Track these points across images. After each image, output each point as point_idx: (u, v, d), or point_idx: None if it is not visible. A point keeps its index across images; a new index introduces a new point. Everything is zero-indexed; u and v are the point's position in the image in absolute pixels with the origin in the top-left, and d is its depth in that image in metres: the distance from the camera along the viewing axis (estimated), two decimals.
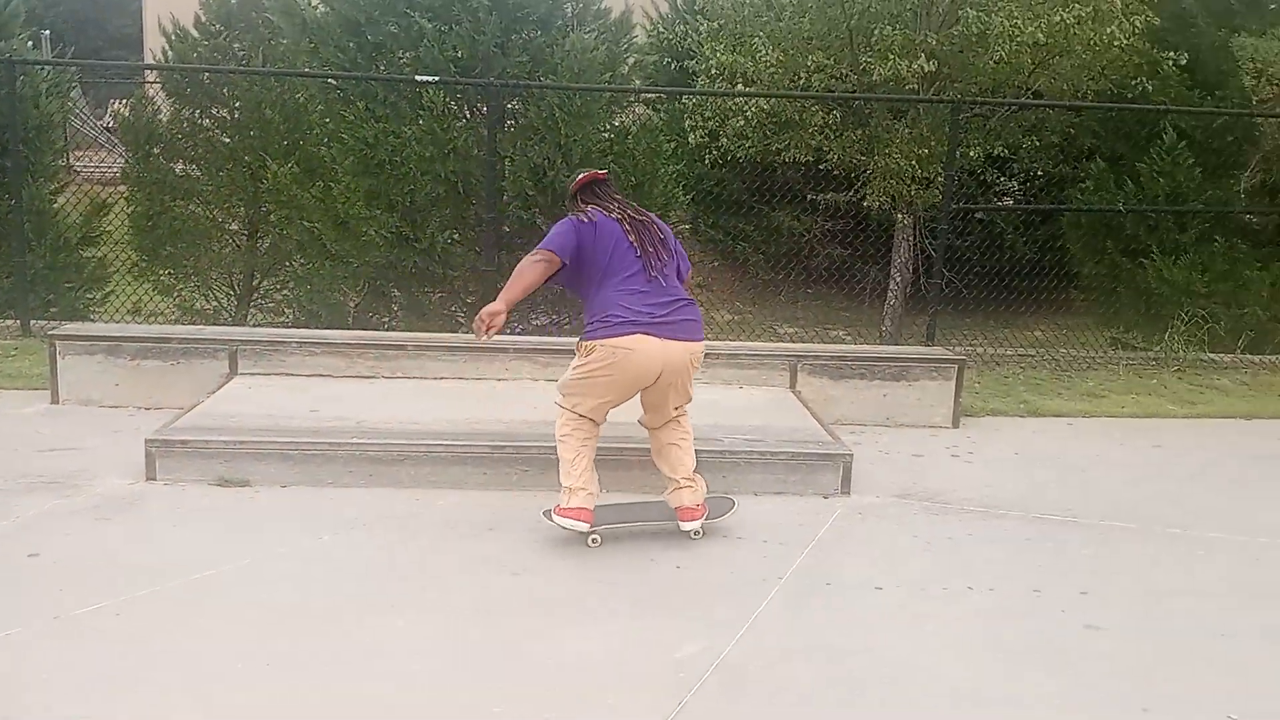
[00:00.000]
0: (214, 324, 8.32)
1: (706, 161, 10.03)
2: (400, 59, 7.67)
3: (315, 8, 8.35)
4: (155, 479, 4.65)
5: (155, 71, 9.42)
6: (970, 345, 8.10)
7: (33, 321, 7.32)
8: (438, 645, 3.30)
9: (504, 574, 3.84)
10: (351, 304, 7.59)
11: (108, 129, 16.06)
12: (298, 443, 4.68)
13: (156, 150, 8.83)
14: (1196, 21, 8.66)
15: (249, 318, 8.93)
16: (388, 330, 7.47)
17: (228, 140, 8.91)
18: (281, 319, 8.69)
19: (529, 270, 4.02)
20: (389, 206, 7.45)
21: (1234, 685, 3.25)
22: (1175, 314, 8.06)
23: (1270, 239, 8.51)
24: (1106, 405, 6.58)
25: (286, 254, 8.48)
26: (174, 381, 5.72)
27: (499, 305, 3.98)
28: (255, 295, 9.10)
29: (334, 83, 7.97)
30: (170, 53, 10.05)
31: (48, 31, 20.72)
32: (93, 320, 8.07)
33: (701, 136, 9.71)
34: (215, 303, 8.99)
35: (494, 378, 5.80)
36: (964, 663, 3.34)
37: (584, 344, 4.07)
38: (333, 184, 7.54)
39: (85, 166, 14.14)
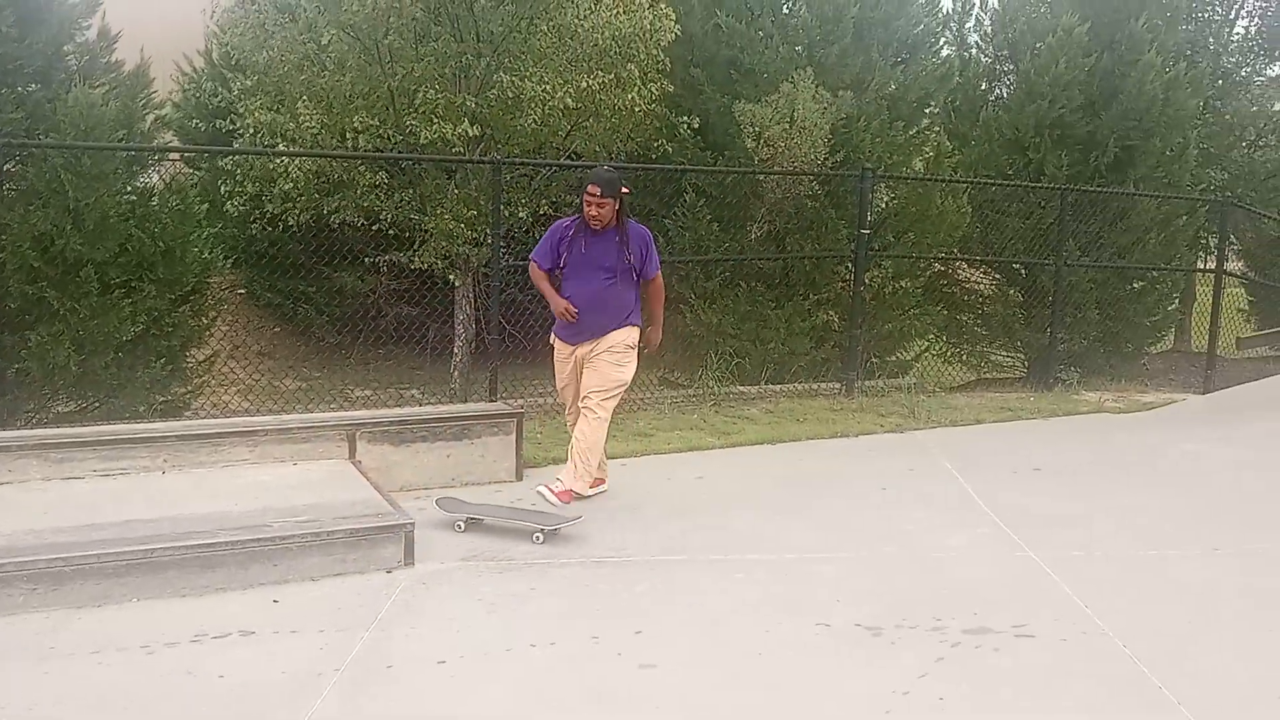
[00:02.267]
0: None
1: (252, 226, 9.51)
2: None
3: None
4: None
5: None
6: (534, 396, 8.33)
7: None
8: None
9: None
10: None
11: None
12: None
13: None
14: (704, 89, 9.66)
15: None
16: None
17: None
18: None
19: None
20: None
21: (769, 701, 3.54)
22: (708, 353, 8.87)
23: (781, 281, 9.65)
24: (655, 443, 7.04)
25: None
26: None
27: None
28: None
29: None
30: None
31: None
32: None
33: (241, 204, 9.20)
34: None
35: None
36: None
37: (635, 328, 5.57)
38: None
39: None
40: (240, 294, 11.22)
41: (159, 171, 7.77)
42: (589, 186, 5.37)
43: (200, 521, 4.54)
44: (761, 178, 9.08)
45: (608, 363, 5.47)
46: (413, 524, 4.77)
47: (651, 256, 5.51)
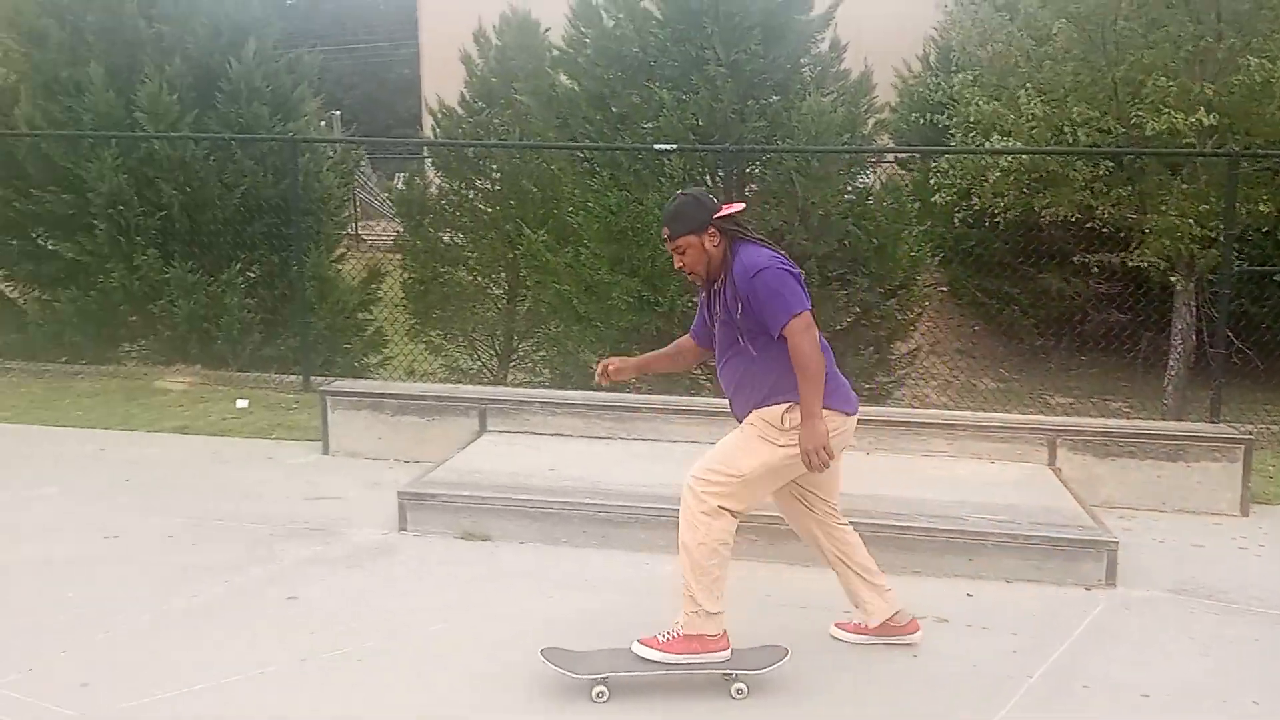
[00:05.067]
0: (478, 383, 8.77)
1: (956, 221, 9.66)
2: (643, 129, 7.88)
3: (562, 86, 8.75)
4: (406, 530, 4.89)
5: (427, 146, 10.19)
6: (1265, 422, 7.23)
7: (312, 378, 7.94)
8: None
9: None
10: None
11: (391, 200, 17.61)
12: (535, 501, 4.79)
13: (427, 220, 9.51)
14: None
15: (508, 377, 9.36)
16: (634, 392, 7.59)
17: (489, 210, 9.46)
18: (537, 379, 9.04)
19: (818, 350, 3.30)
20: (632, 271, 7.63)
21: None
22: None
23: None
24: None
25: (541, 317, 8.85)
26: (429, 437, 6.01)
27: (821, 423, 3.29)
28: (513, 356, 9.53)
29: (582, 154, 8.31)
30: (438, 130, 10.83)
31: (338, 113, 23.07)
32: (371, 378, 8.68)
33: (950, 195, 9.37)
34: (479, 362, 9.49)
35: None
36: None
37: (796, 408, 3.32)
38: (581, 249, 7.81)
39: (370, 235, 15.54)
40: (943, 291, 11.49)
41: (876, 172, 8.26)
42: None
43: (899, 504, 4.73)
44: None
45: (731, 439, 3.52)
46: (1116, 543, 4.44)
47: (765, 303, 3.32)
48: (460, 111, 10.63)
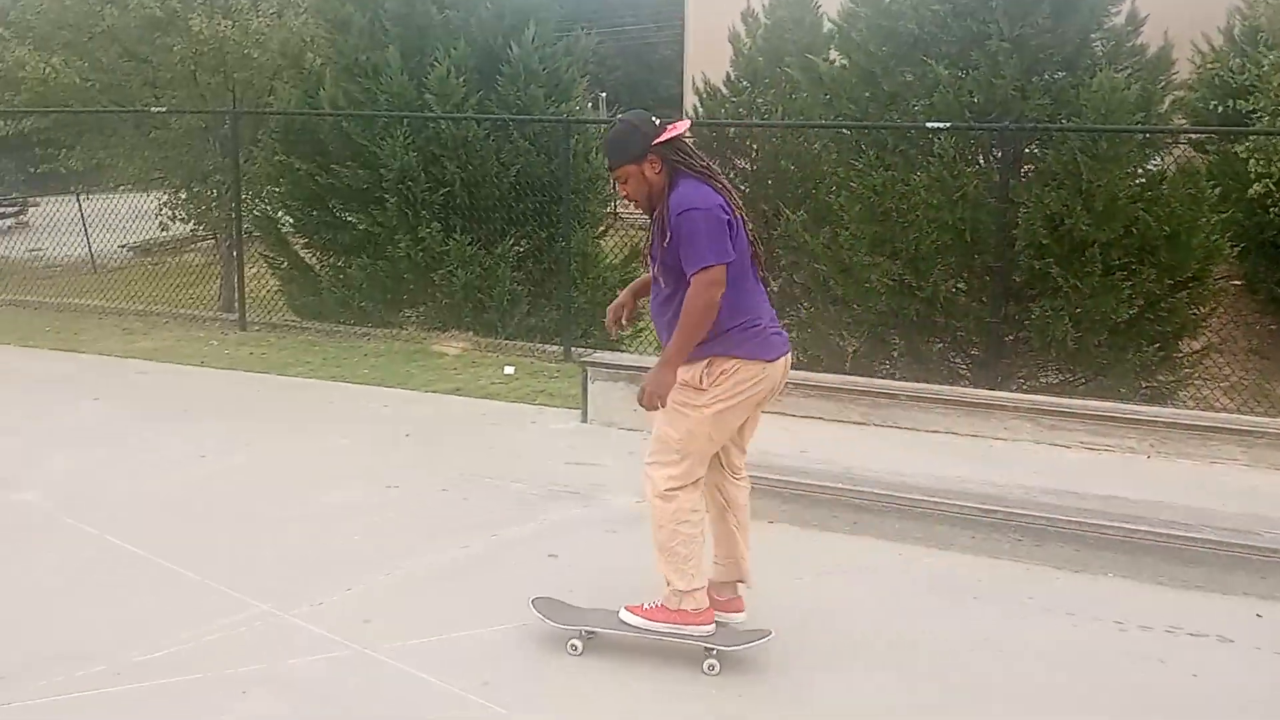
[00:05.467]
0: None
1: (1271, 211, 8.76)
2: (913, 107, 7.62)
3: (833, 63, 8.60)
4: None
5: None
6: None
7: (572, 349, 8.26)
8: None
9: (986, 651, 3.58)
10: (850, 349, 7.65)
11: None
12: (785, 481, 4.78)
13: None
14: None
15: None
16: (885, 378, 7.42)
17: (746, 189, 9.47)
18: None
19: (711, 309, 3.19)
20: (893, 254, 7.43)
21: None
22: None
23: None
24: None
25: (793, 298, 8.79)
26: None
27: (671, 375, 3.27)
28: None
29: (847, 133, 8.15)
30: (701, 109, 10.95)
31: (604, 94, 23.81)
32: (623, 352, 8.94)
33: (1267, 185, 8.51)
34: None
35: (991, 436, 5.48)
36: None
37: (716, 361, 3.29)
38: (840, 231, 7.69)
39: (628, 213, 15.95)
40: (1236, 285, 10.45)
41: (1172, 154, 7.61)
42: None
43: (1183, 514, 4.35)
44: None
45: (663, 411, 3.38)
46: None
47: (682, 244, 3.21)
48: (724, 91, 10.69)
